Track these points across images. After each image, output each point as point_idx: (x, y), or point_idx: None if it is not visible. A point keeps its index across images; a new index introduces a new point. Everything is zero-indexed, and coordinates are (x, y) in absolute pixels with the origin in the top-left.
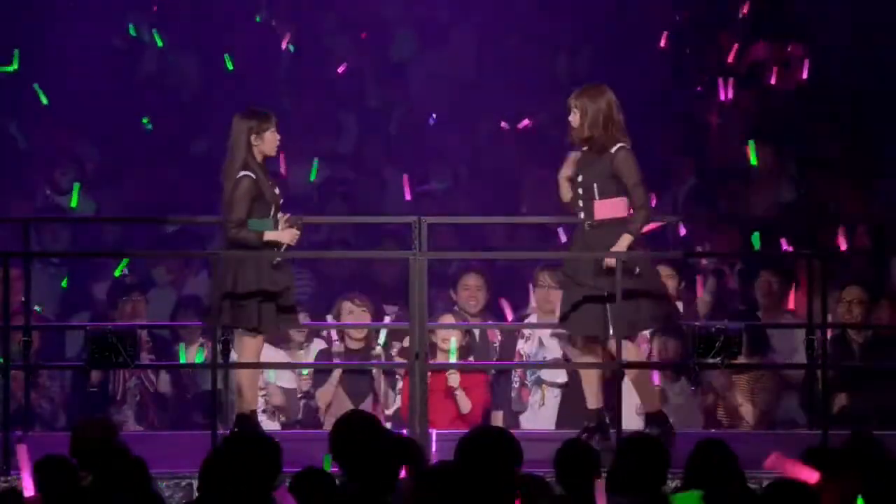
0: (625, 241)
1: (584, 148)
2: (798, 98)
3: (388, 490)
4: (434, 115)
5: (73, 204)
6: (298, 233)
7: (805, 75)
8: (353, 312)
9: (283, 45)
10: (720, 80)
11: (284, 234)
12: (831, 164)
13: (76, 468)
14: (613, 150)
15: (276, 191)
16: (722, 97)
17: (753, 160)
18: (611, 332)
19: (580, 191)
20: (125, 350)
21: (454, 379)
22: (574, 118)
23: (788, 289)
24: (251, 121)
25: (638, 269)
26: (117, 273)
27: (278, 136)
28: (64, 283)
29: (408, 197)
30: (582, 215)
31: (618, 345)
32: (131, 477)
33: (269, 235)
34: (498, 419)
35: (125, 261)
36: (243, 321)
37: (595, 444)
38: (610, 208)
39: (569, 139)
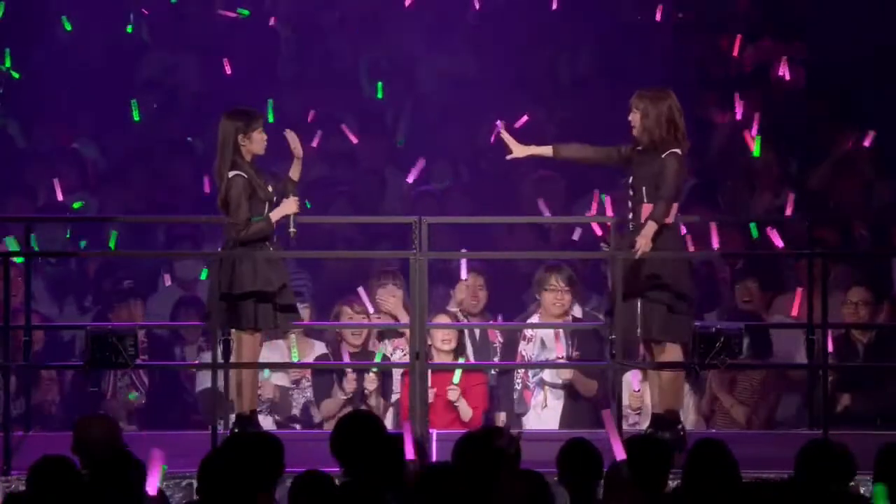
0: (649, 228)
1: (639, 148)
2: (798, 98)
3: (388, 489)
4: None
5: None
6: (297, 198)
7: (805, 75)
8: (353, 318)
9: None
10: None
11: (287, 205)
12: (831, 164)
13: (76, 468)
14: (664, 154)
15: (270, 188)
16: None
17: (757, 152)
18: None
19: (631, 192)
20: (125, 350)
21: (454, 394)
22: (634, 118)
23: (773, 295)
24: (238, 121)
25: (664, 278)
26: None
27: (265, 136)
28: None
29: (410, 179)
30: (631, 216)
31: (618, 344)
32: (129, 474)
33: (275, 215)
34: (500, 421)
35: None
36: (241, 322)
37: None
38: None
39: (632, 140)
